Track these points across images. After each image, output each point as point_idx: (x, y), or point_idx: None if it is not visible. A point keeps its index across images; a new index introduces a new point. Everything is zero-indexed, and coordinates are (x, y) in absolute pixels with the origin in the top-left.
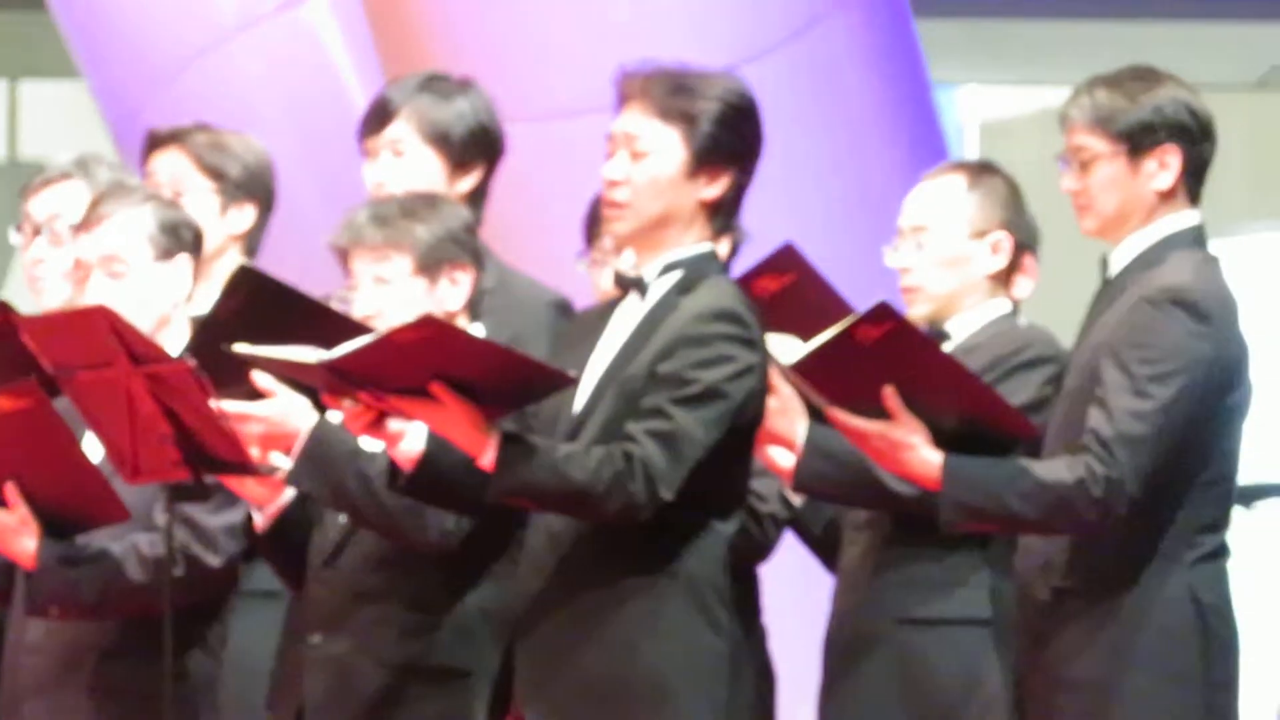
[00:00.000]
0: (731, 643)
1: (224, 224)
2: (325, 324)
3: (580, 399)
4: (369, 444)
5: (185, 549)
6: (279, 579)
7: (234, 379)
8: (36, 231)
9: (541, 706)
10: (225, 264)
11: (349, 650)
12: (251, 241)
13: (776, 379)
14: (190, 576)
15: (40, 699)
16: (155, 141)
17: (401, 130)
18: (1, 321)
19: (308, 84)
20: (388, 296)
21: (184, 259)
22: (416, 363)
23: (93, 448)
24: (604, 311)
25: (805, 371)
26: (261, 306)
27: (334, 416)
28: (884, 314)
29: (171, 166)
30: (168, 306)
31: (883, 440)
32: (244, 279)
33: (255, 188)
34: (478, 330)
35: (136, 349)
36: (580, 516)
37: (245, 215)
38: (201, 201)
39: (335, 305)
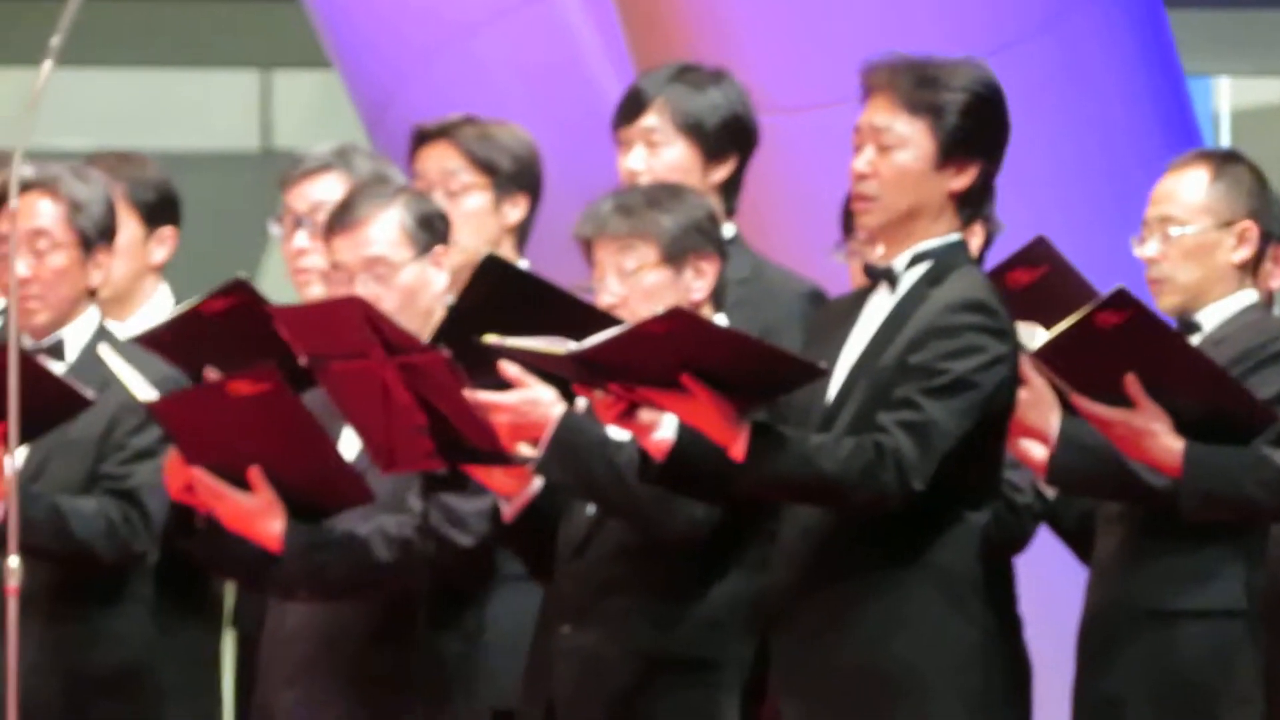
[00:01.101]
0: (984, 634)
1: (497, 218)
2: (571, 314)
3: (832, 390)
4: (617, 434)
5: (435, 529)
6: (527, 570)
7: (481, 368)
8: (297, 223)
9: (797, 699)
10: None
11: (598, 641)
12: (523, 232)
13: (1029, 370)
14: (440, 557)
15: (298, 687)
16: (422, 137)
17: (655, 121)
18: (247, 303)
19: (557, 74)
20: (632, 287)
21: (440, 250)
22: (666, 354)
23: (350, 443)
24: (854, 302)
25: (1048, 358)
26: (507, 296)
27: (582, 406)
28: (1123, 300)
29: (441, 163)
30: (431, 300)
31: (1125, 427)
32: (490, 269)
33: (526, 179)
34: (721, 320)
35: (391, 339)
36: (830, 507)
37: (518, 207)
38: (474, 197)
39: (581, 295)
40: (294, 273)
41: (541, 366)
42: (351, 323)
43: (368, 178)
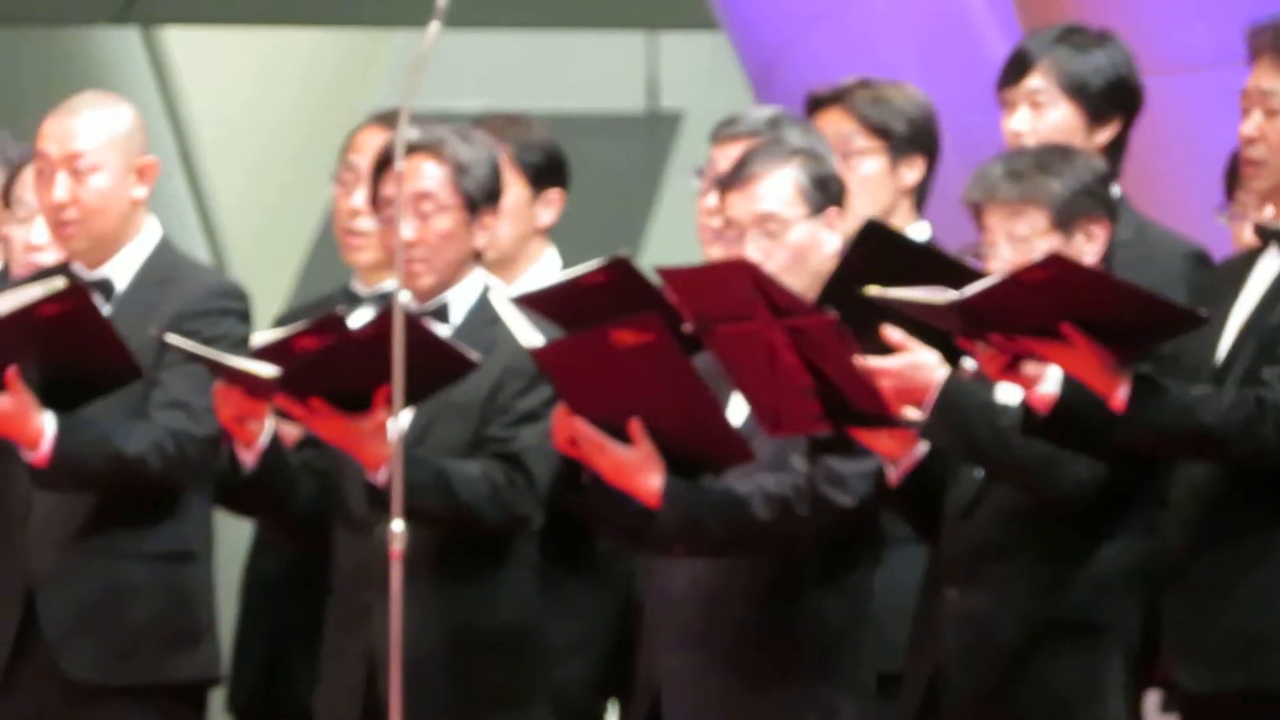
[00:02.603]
0: None
1: (893, 181)
2: (953, 278)
3: (1221, 350)
4: (1002, 396)
5: (815, 489)
6: (914, 533)
7: (863, 332)
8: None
9: (1189, 662)
10: (896, 221)
11: (985, 605)
12: (920, 194)
13: None
14: (820, 517)
15: (684, 649)
16: (817, 103)
17: (1039, 83)
18: (626, 280)
19: (943, 34)
20: (1023, 254)
21: (833, 212)
22: (1045, 303)
23: (738, 409)
24: (1243, 263)
25: None
26: (889, 260)
27: (965, 370)
28: None
29: (835, 128)
30: (821, 261)
31: None
32: (871, 233)
33: (922, 140)
34: None
35: (778, 301)
36: (1209, 459)
37: (914, 169)
38: (869, 162)
39: (969, 261)
40: (701, 229)
41: (922, 318)
42: (739, 285)
43: (754, 143)
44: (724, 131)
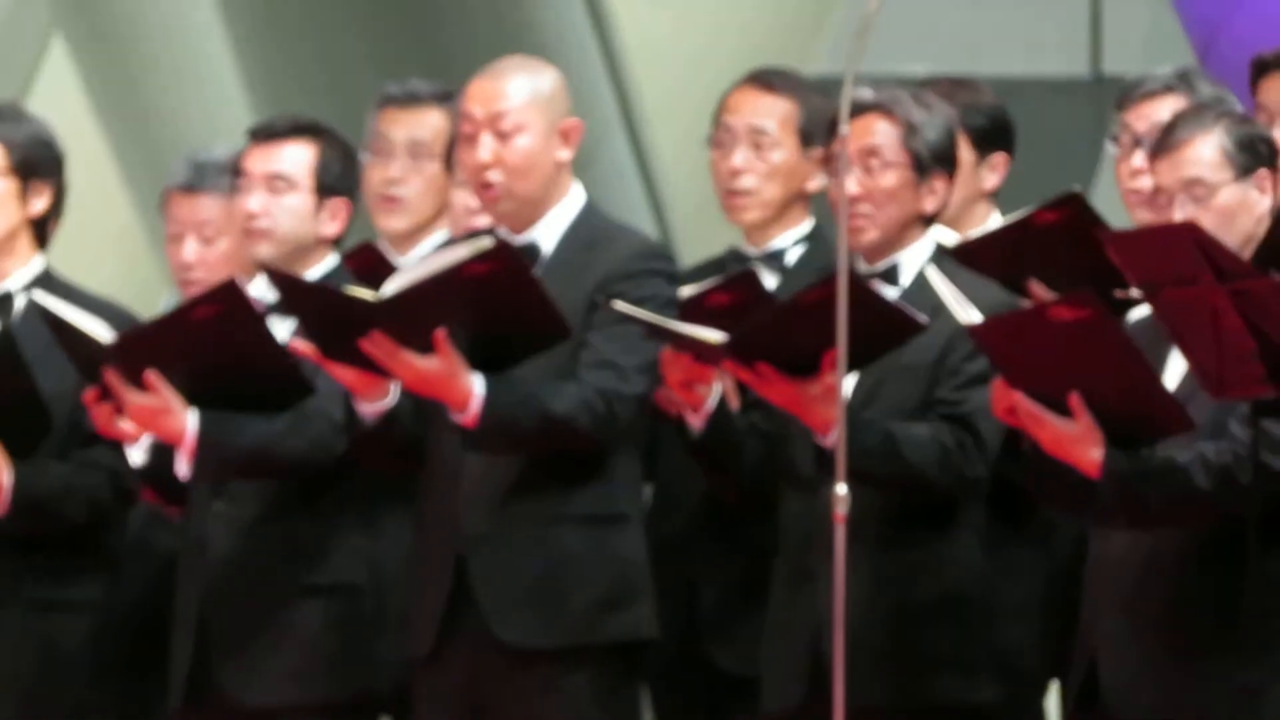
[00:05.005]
0: None
1: None
2: None
3: None
4: None
5: (1256, 456)
6: None
7: None
8: (1135, 143)
9: None
10: None
11: None
12: None
13: None
14: (1260, 484)
15: (1121, 613)
16: (1263, 67)
17: None
18: (1078, 217)
19: None
20: None
21: (1264, 174)
22: None
23: (1174, 371)
24: None
25: None
26: None
27: None
28: None
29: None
30: (1251, 223)
31: None
32: None
33: None
34: None
35: (1222, 264)
36: None
37: None
38: None
39: None
40: (1126, 193)
41: None
42: (1182, 248)
43: (1183, 109)
44: (1132, 93)
